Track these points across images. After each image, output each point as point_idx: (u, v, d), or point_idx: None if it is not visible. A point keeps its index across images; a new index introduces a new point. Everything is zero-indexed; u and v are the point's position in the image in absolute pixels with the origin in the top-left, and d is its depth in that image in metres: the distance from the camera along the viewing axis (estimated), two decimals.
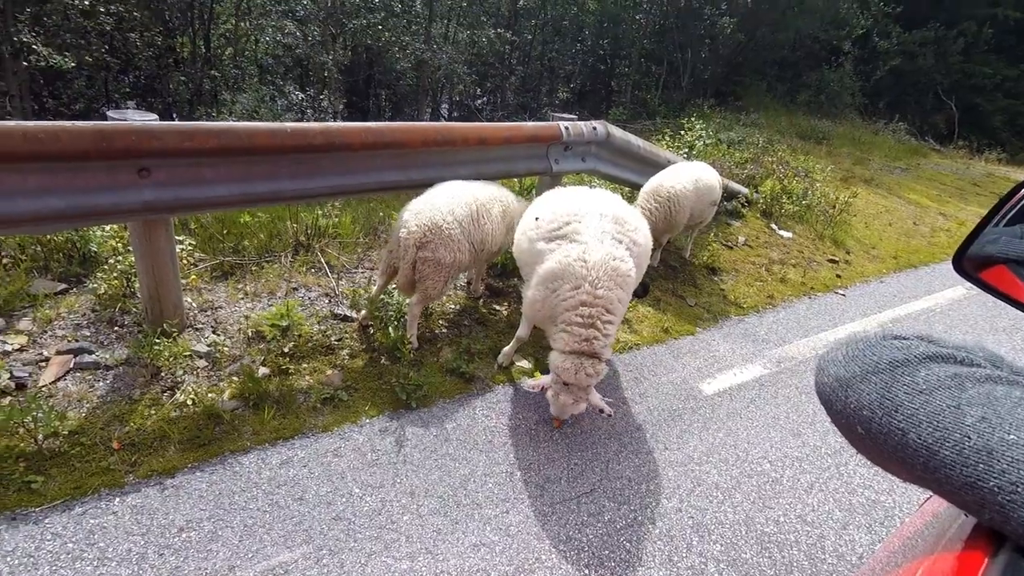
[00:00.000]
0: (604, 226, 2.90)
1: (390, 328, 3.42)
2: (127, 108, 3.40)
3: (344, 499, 2.46)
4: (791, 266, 5.89)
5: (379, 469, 2.64)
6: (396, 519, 2.40)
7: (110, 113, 2.70)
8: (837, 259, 6.36)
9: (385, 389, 3.15)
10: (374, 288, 3.64)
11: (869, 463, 0.74)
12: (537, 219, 3.06)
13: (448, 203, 3.26)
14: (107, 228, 3.58)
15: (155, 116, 2.77)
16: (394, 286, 3.48)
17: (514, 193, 3.73)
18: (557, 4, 10.97)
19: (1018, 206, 1.46)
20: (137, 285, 3.19)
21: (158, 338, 2.97)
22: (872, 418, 0.65)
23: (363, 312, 3.56)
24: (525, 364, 3.59)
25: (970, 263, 1.46)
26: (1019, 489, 0.52)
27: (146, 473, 2.42)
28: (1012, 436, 0.55)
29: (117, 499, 2.29)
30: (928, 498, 1.37)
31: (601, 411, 2.85)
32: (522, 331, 3.33)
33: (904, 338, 0.73)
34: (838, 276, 5.93)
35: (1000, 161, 15.51)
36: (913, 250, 7.18)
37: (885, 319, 5.07)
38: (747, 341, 4.35)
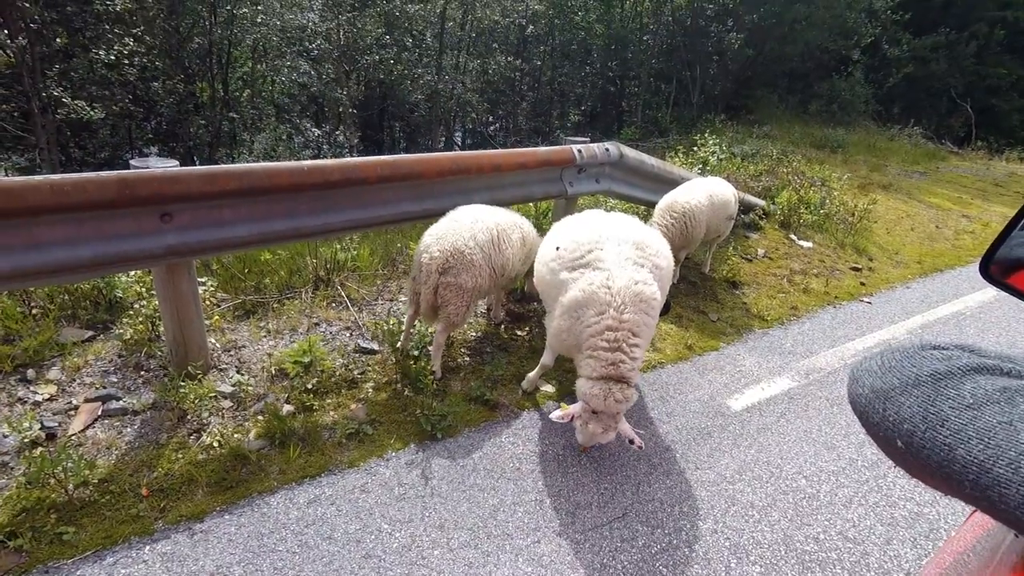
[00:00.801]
0: (625, 252, 2.88)
1: (412, 359, 3.41)
2: (149, 155, 3.52)
3: (373, 536, 2.42)
4: (813, 276, 5.79)
5: (407, 503, 2.61)
6: (426, 554, 2.36)
7: (133, 162, 2.79)
8: (860, 267, 6.24)
9: (410, 421, 3.12)
10: (404, 319, 3.63)
11: (909, 475, 0.70)
12: (558, 249, 3.04)
13: (470, 228, 3.26)
14: (132, 273, 3.66)
15: (176, 162, 2.84)
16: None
17: (529, 217, 3.74)
18: (565, 30, 11.16)
19: None
20: (162, 328, 3.24)
21: (183, 381, 3.00)
22: (914, 432, 0.63)
23: (399, 344, 3.56)
24: (549, 388, 3.55)
25: (998, 268, 1.43)
26: None
27: (175, 519, 2.41)
28: None
29: (147, 547, 2.28)
30: (974, 511, 1.31)
31: (631, 442, 2.76)
32: (547, 358, 3.29)
33: (944, 348, 0.70)
34: (862, 284, 5.81)
35: (1022, 160, 15.21)
36: (937, 254, 7.02)
37: (913, 325, 4.93)
38: (773, 354, 4.26)
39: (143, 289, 3.62)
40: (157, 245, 2.74)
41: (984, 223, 8.58)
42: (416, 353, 3.55)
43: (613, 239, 2.92)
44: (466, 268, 3.18)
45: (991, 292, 5.52)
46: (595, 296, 2.74)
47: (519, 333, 4.12)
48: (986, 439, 0.57)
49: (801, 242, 6.59)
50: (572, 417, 2.78)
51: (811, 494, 2.88)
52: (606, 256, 2.85)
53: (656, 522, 2.62)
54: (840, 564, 2.47)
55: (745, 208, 6.52)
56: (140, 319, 3.35)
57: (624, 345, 2.69)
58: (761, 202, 6.86)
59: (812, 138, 12.37)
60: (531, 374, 3.45)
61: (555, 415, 2.79)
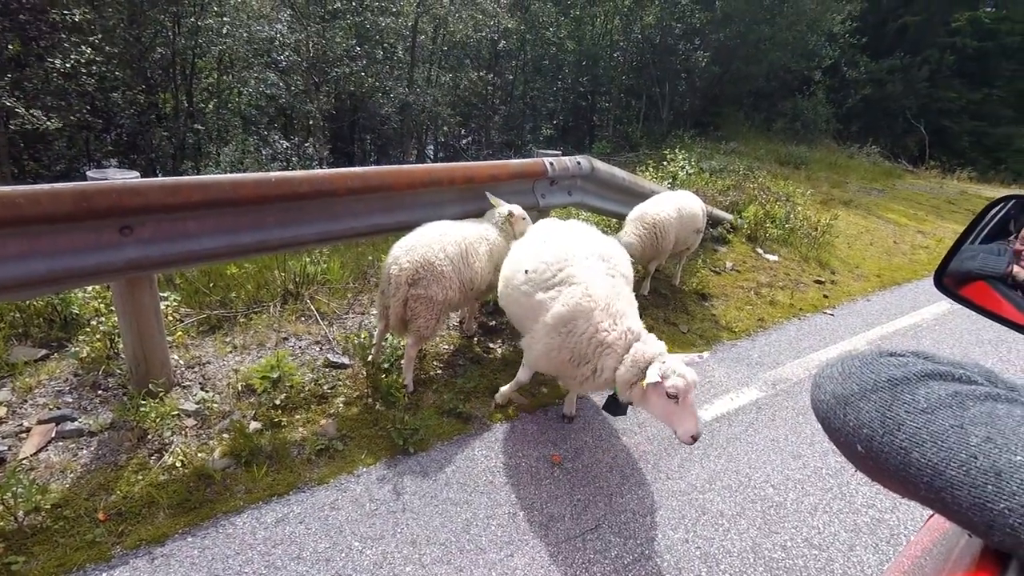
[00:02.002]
0: (595, 265, 2.95)
1: (384, 373, 3.36)
2: (108, 167, 3.40)
3: (343, 554, 2.36)
4: (779, 288, 5.93)
5: (378, 520, 2.56)
6: (398, 571, 2.31)
7: (90, 173, 2.71)
8: (823, 280, 6.42)
9: (381, 436, 3.07)
10: (375, 334, 3.59)
11: (870, 482, 0.72)
12: (527, 272, 3.01)
13: (439, 240, 3.26)
14: (89, 289, 3.53)
15: (136, 173, 2.77)
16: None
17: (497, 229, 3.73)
18: (536, 45, 11.31)
19: (992, 223, 1.53)
20: (121, 346, 3.13)
21: (144, 399, 2.89)
22: (873, 436, 0.65)
23: (370, 358, 3.52)
24: (524, 401, 3.54)
25: (951, 280, 1.51)
26: None
27: (134, 543, 2.31)
28: (1019, 457, 0.55)
29: (104, 574, 2.18)
30: (932, 515, 1.36)
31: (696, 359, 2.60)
32: (523, 375, 3.24)
33: (900, 355, 0.73)
34: (825, 296, 5.98)
35: (972, 180, 15.96)
36: (895, 268, 7.28)
37: (874, 336, 5.09)
38: (741, 365, 4.34)
39: (101, 305, 3.49)
40: (116, 259, 2.65)
41: (938, 239, 8.95)
42: (387, 367, 3.50)
43: (580, 255, 2.97)
44: (436, 280, 3.17)
45: (946, 305, 5.74)
46: (580, 306, 2.78)
47: (491, 346, 4.11)
48: (939, 442, 0.60)
49: (767, 255, 6.76)
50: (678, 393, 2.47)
51: (778, 502, 2.92)
52: (577, 272, 2.90)
53: (629, 533, 2.63)
54: (806, 571, 2.51)
55: (713, 222, 6.67)
56: (98, 336, 3.23)
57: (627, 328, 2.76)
58: (729, 216, 7.02)
59: (777, 155, 12.76)
60: (505, 388, 3.43)
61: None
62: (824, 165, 13.01)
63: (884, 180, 13.38)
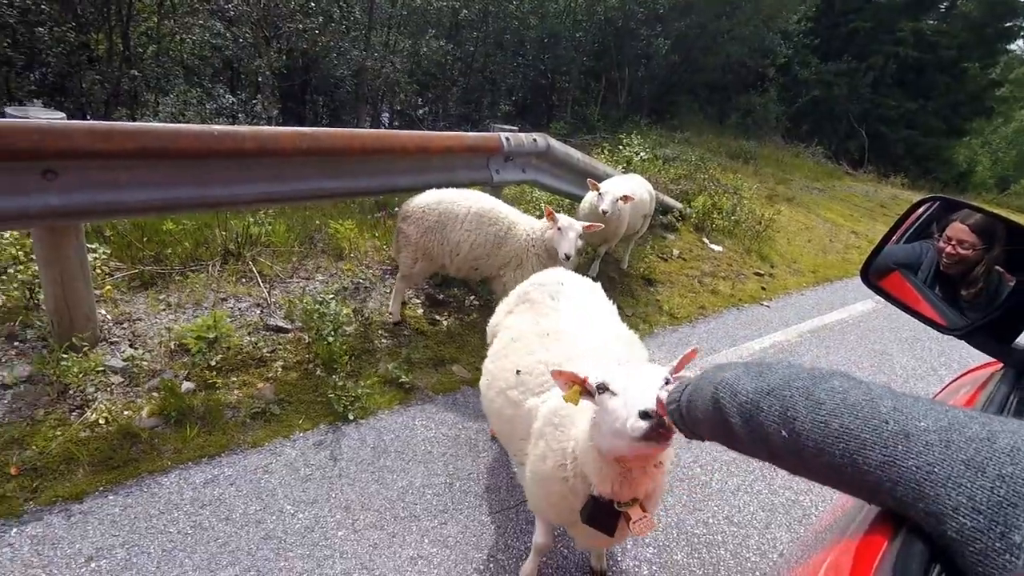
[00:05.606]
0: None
1: (327, 338, 3.30)
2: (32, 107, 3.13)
3: (275, 517, 2.34)
4: (721, 278, 6.16)
5: (312, 484, 2.54)
6: (330, 535, 2.31)
7: (9, 110, 2.51)
8: (763, 272, 6.70)
9: (320, 402, 3.03)
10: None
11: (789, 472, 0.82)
12: (519, 373, 2.15)
13: (439, 194, 3.65)
14: (6, 235, 3.28)
15: (62, 115, 2.58)
16: (330, 295, 3.37)
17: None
18: (499, 17, 11.09)
19: (914, 226, 1.66)
20: (42, 296, 2.94)
21: (65, 353, 2.73)
22: (796, 417, 0.75)
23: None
24: (465, 373, 3.56)
25: (874, 275, 1.65)
26: (935, 469, 0.58)
27: (49, 500, 2.21)
28: (923, 423, 0.63)
29: (14, 529, 2.08)
30: (837, 497, 1.49)
31: None
32: (540, 536, 2.21)
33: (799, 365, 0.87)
34: (763, 288, 6.24)
35: (903, 186, 16.93)
36: (829, 265, 7.67)
37: (805, 329, 5.36)
38: (681, 349, 4.44)
39: (20, 252, 3.26)
40: (37, 205, 2.47)
41: (870, 240, 9.47)
42: (332, 335, 3.44)
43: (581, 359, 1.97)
44: (415, 222, 3.58)
45: (871, 303, 6.13)
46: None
47: (438, 318, 4.10)
48: (855, 412, 0.69)
49: (713, 246, 6.99)
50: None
51: (704, 482, 3.05)
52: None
53: None
54: (724, 546, 2.64)
55: (664, 209, 6.82)
56: (15, 285, 3.02)
57: None
58: (679, 205, 7.20)
59: (728, 148, 13.11)
60: (527, 567, 2.31)
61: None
62: (772, 161, 13.49)
63: (826, 180, 14.02)
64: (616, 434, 1.36)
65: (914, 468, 0.60)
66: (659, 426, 1.25)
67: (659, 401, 1.24)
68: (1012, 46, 21.83)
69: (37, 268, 2.89)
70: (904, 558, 0.60)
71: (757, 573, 2.51)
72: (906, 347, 5.25)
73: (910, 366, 4.88)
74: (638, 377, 1.36)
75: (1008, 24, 19.66)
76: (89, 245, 3.12)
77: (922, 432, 0.62)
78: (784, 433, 0.76)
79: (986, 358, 1.48)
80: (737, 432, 0.86)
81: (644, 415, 1.25)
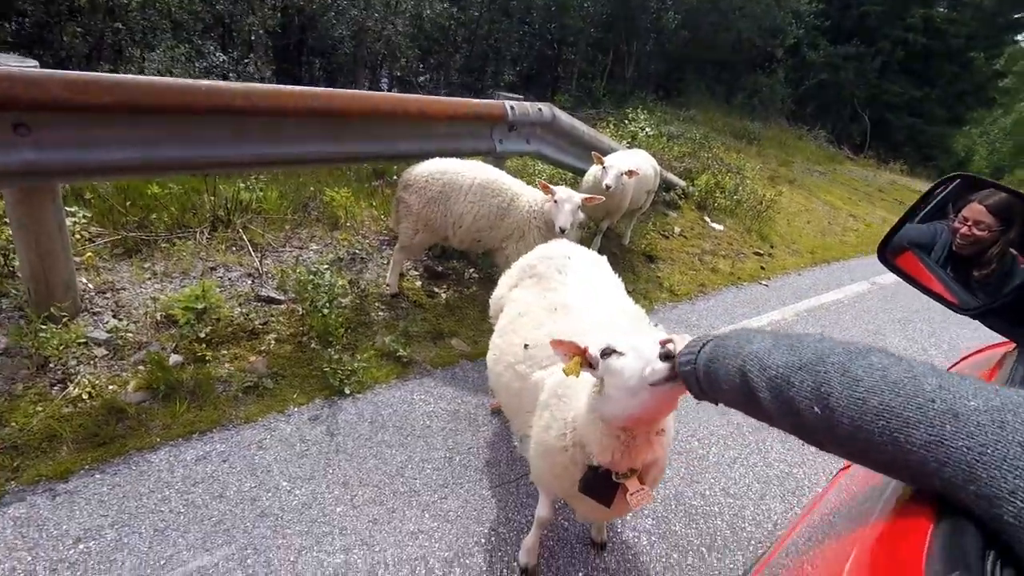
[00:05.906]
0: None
1: (322, 310, 3.18)
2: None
3: (270, 494, 2.26)
4: (721, 257, 6.09)
5: (309, 460, 2.45)
6: (328, 511, 2.23)
7: None
8: (762, 252, 6.65)
9: (315, 376, 2.93)
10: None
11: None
12: (527, 347, 2.09)
13: (441, 163, 3.53)
14: None
15: (35, 63, 2.39)
16: (325, 266, 3.24)
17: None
18: None
19: (929, 207, 1.66)
20: (17, 263, 2.78)
21: (44, 323, 2.59)
22: (831, 393, 0.71)
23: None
24: (464, 347, 3.47)
25: (891, 253, 1.67)
26: (987, 450, 0.55)
27: (32, 479, 2.11)
28: (973, 403, 0.60)
29: None
30: (836, 476, 1.47)
31: None
32: (543, 510, 2.16)
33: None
34: (762, 268, 6.20)
35: (902, 172, 16.96)
36: (827, 247, 7.65)
37: (802, 308, 5.34)
38: (680, 326, 4.44)
39: None
40: (8, 161, 2.30)
41: (867, 224, 9.45)
42: (327, 307, 3.32)
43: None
44: (417, 192, 3.45)
45: (866, 285, 6.13)
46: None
47: (436, 290, 3.99)
48: (896, 389, 0.66)
49: (714, 224, 6.91)
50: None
51: (701, 455, 3.04)
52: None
53: None
54: (721, 517, 2.64)
55: (667, 186, 6.71)
56: None
57: None
58: (682, 182, 7.09)
59: (732, 128, 12.95)
60: (529, 540, 2.24)
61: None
62: (775, 143, 13.37)
63: (827, 164, 13.95)
64: (630, 391, 1.33)
65: (965, 449, 0.57)
66: (675, 369, 1.23)
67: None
68: (1020, 36, 21.64)
69: (11, 232, 2.72)
70: (959, 544, 0.57)
71: (752, 542, 2.52)
72: (898, 327, 5.27)
73: (902, 346, 4.91)
74: (641, 336, 1.36)
75: (1018, 15, 19.42)
76: (68, 208, 2.96)
77: (972, 412, 0.59)
78: (817, 409, 0.72)
79: (986, 340, 1.49)
80: (765, 406, 0.83)
81: (666, 356, 1.23)
